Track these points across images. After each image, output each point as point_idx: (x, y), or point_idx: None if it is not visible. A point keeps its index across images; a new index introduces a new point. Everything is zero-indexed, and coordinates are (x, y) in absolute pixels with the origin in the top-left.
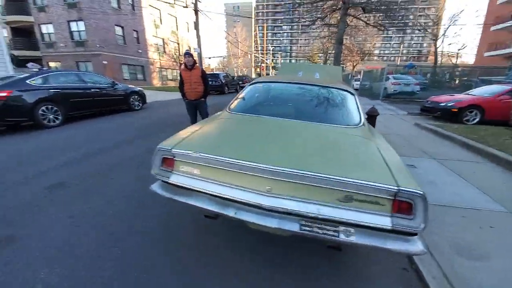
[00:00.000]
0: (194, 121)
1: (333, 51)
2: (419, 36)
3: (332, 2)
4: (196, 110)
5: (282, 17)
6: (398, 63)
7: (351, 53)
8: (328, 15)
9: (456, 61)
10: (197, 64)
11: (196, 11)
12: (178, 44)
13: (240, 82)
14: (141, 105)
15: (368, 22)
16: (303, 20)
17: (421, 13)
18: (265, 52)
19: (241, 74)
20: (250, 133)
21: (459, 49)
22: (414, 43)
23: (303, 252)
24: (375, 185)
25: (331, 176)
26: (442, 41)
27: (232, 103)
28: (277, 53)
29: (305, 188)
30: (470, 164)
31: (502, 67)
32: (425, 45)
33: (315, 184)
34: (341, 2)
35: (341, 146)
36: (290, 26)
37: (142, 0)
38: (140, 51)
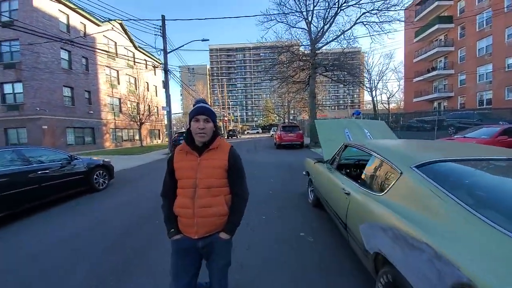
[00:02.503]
0: None
1: (291, 102)
2: (349, 89)
3: (300, 63)
4: (199, 263)
5: (236, 76)
6: (349, 112)
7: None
8: (298, 74)
9: (388, 107)
10: (222, 138)
11: (166, 71)
12: (138, 103)
13: None
14: (107, 182)
15: (332, 78)
16: (275, 78)
17: (354, 71)
18: (226, 107)
19: None
20: None
21: (388, 98)
22: (347, 94)
23: None
24: None
25: None
26: (375, 92)
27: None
28: (235, 106)
29: None
30: None
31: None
32: (355, 95)
33: None
34: (309, 63)
35: None
36: (244, 84)
37: (98, 60)
38: (91, 112)
